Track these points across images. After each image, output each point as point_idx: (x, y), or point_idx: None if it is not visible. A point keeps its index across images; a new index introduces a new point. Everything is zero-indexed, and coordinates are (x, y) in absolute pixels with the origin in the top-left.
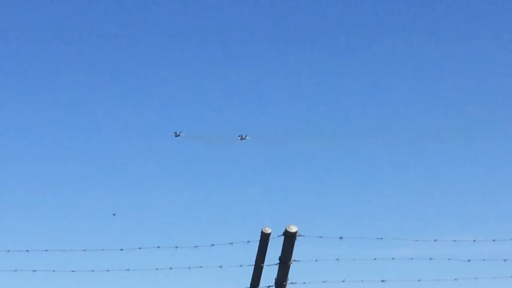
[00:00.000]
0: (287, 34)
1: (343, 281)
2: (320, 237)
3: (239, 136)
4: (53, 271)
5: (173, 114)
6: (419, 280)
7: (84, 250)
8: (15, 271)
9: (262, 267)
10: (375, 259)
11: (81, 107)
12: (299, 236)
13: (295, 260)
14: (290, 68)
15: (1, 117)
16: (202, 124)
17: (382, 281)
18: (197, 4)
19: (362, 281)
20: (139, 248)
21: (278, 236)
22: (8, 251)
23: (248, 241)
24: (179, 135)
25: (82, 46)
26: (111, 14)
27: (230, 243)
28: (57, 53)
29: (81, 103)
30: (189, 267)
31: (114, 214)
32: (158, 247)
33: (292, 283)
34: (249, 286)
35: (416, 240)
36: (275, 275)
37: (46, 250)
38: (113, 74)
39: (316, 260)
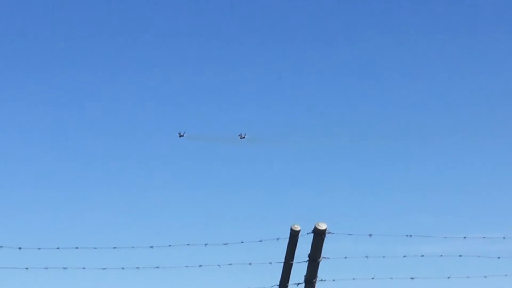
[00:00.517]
0: (287, 33)
1: (372, 278)
2: (350, 234)
3: (239, 135)
4: (84, 268)
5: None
6: (448, 277)
7: (114, 247)
8: (46, 268)
9: (291, 265)
10: (405, 256)
11: (84, 107)
12: (328, 233)
13: (324, 258)
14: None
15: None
16: (200, 123)
17: (412, 278)
18: (197, 4)
19: (392, 278)
20: (169, 245)
21: (308, 233)
22: (39, 248)
23: (278, 239)
24: (182, 135)
25: (84, 45)
26: (111, 13)
27: (259, 241)
28: (58, 52)
29: (83, 103)
30: (218, 265)
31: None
32: (188, 244)
33: (321, 280)
34: (278, 283)
35: (446, 237)
36: (304, 272)
37: (76, 248)
38: (115, 74)
39: (345, 258)
